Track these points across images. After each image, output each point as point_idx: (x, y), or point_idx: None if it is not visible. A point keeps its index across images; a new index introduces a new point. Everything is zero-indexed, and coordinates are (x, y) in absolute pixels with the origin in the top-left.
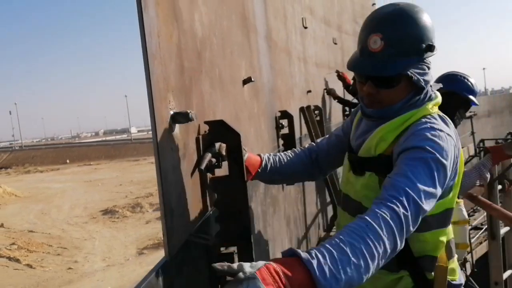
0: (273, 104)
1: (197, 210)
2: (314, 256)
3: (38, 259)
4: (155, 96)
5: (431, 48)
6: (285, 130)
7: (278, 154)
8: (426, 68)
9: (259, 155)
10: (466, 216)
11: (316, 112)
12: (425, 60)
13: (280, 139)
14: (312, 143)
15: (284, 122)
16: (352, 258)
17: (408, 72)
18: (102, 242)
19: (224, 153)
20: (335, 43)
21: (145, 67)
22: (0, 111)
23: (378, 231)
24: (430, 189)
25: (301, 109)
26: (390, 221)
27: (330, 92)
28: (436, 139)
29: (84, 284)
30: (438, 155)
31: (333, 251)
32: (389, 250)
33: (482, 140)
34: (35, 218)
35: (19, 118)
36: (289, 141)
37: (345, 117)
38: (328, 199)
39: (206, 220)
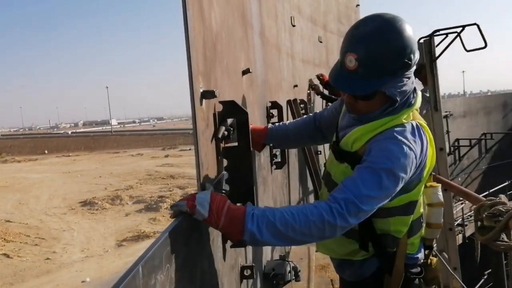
0: (264, 95)
1: (215, 169)
2: (253, 208)
3: (16, 249)
4: (194, 76)
5: (406, 65)
6: (275, 119)
7: (285, 122)
8: (404, 80)
9: (266, 126)
10: (442, 200)
11: (301, 105)
12: (404, 75)
13: None
14: (316, 112)
15: (274, 111)
16: (277, 224)
17: (382, 89)
18: (81, 233)
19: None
20: (321, 42)
21: (187, 53)
22: None
23: (308, 216)
24: (374, 194)
25: (288, 102)
26: (323, 212)
27: (314, 88)
28: (395, 153)
29: (62, 274)
30: (392, 167)
31: (268, 213)
32: (314, 233)
33: (457, 140)
34: (12, 208)
35: None
36: None
37: None
38: (311, 188)
39: (221, 178)
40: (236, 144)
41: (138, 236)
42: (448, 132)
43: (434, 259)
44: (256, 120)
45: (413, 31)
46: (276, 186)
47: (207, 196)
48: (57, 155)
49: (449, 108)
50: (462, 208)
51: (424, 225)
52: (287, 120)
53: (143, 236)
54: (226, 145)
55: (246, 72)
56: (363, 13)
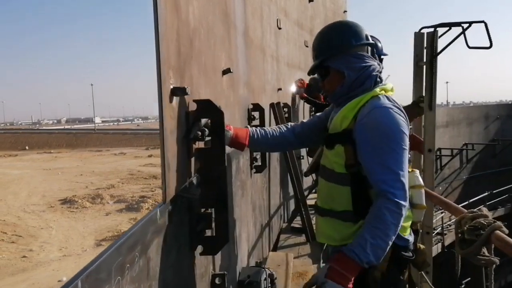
0: (246, 97)
1: (186, 171)
2: (352, 249)
3: None
4: (162, 71)
5: (344, 45)
6: (256, 122)
7: (264, 128)
8: (355, 60)
9: (246, 126)
10: (421, 182)
11: (285, 109)
12: (349, 52)
13: None
14: (297, 122)
15: (256, 114)
16: (373, 242)
17: (328, 64)
18: (59, 232)
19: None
20: (307, 46)
21: (156, 47)
22: None
23: (380, 217)
24: (388, 164)
25: (271, 105)
26: (384, 209)
27: (299, 92)
28: (385, 118)
29: (38, 273)
30: (384, 132)
31: (361, 242)
32: (395, 223)
33: (439, 149)
34: None
35: None
36: None
37: (311, 116)
38: (291, 193)
39: (191, 182)
40: (209, 146)
41: (117, 236)
42: None
43: (421, 245)
44: (237, 122)
45: (360, 29)
46: (255, 191)
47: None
48: (38, 152)
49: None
50: (442, 217)
51: (410, 208)
52: (269, 123)
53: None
54: (198, 146)
55: (226, 72)
56: (350, 19)
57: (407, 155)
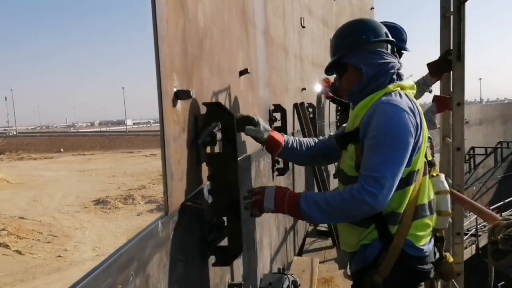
0: (267, 97)
1: (194, 179)
2: (306, 193)
3: (28, 246)
4: (162, 73)
5: (360, 41)
6: (278, 123)
7: (299, 138)
8: (372, 56)
9: (281, 134)
10: (447, 187)
11: (309, 109)
12: (371, 50)
13: None
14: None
15: (277, 115)
16: (322, 204)
17: (345, 61)
18: (93, 232)
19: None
20: None
21: (154, 47)
22: None
23: (342, 195)
24: (382, 159)
25: (295, 105)
26: (353, 191)
27: (324, 91)
28: (388, 115)
29: (72, 272)
30: (388, 128)
31: (315, 196)
32: (350, 208)
33: (473, 148)
34: (26, 205)
35: (15, 104)
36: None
37: (338, 116)
38: None
39: (201, 191)
40: (221, 150)
41: None
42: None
43: (448, 255)
44: None
45: (378, 25)
46: None
47: (271, 192)
48: (72, 154)
49: (465, 115)
50: (476, 218)
51: (432, 215)
52: (293, 124)
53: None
54: (209, 151)
55: (244, 72)
56: (377, 16)
57: (404, 156)
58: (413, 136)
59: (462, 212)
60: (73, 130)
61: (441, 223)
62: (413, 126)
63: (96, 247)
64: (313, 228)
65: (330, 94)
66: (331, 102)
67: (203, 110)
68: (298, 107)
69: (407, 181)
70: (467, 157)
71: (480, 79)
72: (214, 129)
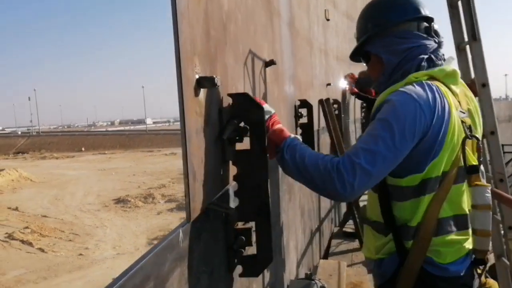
0: (292, 92)
1: (218, 179)
2: (293, 139)
3: (50, 244)
4: (182, 56)
5: (381, 23)
6: (304, 120)
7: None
8: (395, 40)
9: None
10: (488, 202)
11: (335, 106)
12: (395, 33)
13: (298, 128)
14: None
15: (303, 111)
16: (296, 155)
17: (368, 49)
18: (113, 230)
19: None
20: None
21: (173, 25)
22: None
23: (318, 159)
24: (367, 146)
25: (320, 101)
26: (328, 162)
27: (349, 87)
28: (393, 102)
29: (93, 270)
30: (386, 116)
31: (299, 145)
32: (317, 177)
33: (502, 145)
34: (48, 203)
35: (38, 104)
36: (307, 131)
37: (363, 113)
38: None
39: (226, 192)
40: (248, 147)
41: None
42: None
43: (491, 281)
44: (283, 120)
45: (405, 1)
46: (304, 194)
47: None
48: (93, 153)
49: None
50: None
51: (464, 230)
52: (318, 121)
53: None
54: (236, 148)
55: (270, 64)
56: None
57: (396, 154)
58: (418, 134)
59: (499, 230)
60: (93, 129)
61: (479, 244)
62: (422, 123)
63: (117, 246)
64: (339, 229)
65: (355, 89)
66: (356, 98)
67: (227, 101)
68: (324, 103)
69: (421, 189)
70: None
71: (506, 75)
72: (241, 124)
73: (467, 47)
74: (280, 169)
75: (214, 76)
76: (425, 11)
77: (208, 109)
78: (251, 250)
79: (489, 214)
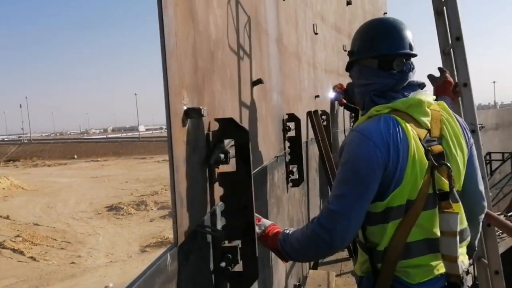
0: (281, 107)
1: (205, 202)
2: (284, 233)
3: (42, 252)
4: (170, 91)
5: (350, 54)
6: (292, 133)
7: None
8: (363, 72)
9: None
10: (454, 229)
11: (323, 117)
12: (359, 64)
13: (286, 142)
14: None
15: (291, 125)
16: (293, 242)
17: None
18: (106, 238)
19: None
20: (345, 50)
21: (162, 63)
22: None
23: (305, 231)
24: (337, 191)
25: (309, 113)
26: (313, 226)
27: (338, 98)
28: (350, 145)
29: (86, 278)
30: (347, 159)
31: (291, 234)
32: (312, 245)
33: (489, 153)
34: (40, 211)
35: (29, 112)
36: (295, 144)
37: (352, 123)
38: None
39: (213, 213)
40: (234, 169)
41: (161, 242)
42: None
43: None
44: (270, 134)
45: (374, 34)
46: (292, 205)
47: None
48: (86, 160)
49: (481, 120)
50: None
51: (434, 254)
52: (307, 133)
53: (166, 242)
54: (222, 170)
55: (257, 82)
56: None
57: (363, 192)
58: (379, 169)
59: (496, 246)
60: (86, 137)
61: (448, 268)
62: (379, 159)
63: (109, 254)
64: None
65: (344, 101)
66: (344, 109)
67: (214, 126)
68: (312, 115)
69: (385, 216)
70: (484, 162)
71: (494, 82)
72: (227, 147)
73: (452, 50)
74: (268, 182)
75: (201, 108)
76: (391, 47)
77: (195, 137)
78: (238, 266)
79: (454, 241)
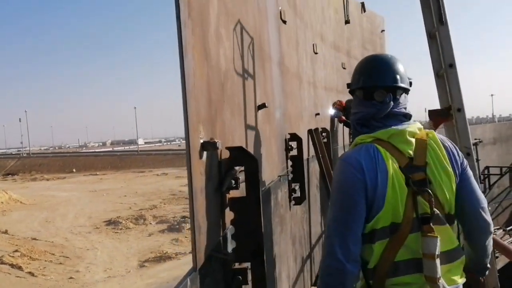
0: (283, 127)
1: (218, 227)
2: None
3: (40, 267)
4: (190, 127)
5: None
6: (294, 152)
7: None
8: (355, 102)
9: None
10: (433, 251)
11: (323, 134)
12: (353, 94)
13: (289, 161)
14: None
15: (293, 144)
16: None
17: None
18: (104, 253)
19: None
20: (344, 68)
21: (183, 103)
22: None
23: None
24: (331, 215)
25: (309, 131)
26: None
27: (338, 115)
28: (336, 172)
29: None
30: (335, 185)
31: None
32: (328, 277)
33: (487, 167)
34: (39, 225)
35: (29, 125)
36: (297, 163)
37: (350, 140)
38: None
39: (224, 236)
40: (244, 195)
41: (160, 257)
42: (478, 160)
43: None
44: (274, 155)
45: (360, 70)
46: (295, 223)
47: None
48: (84, 174)
49: (479, 135)
50: None
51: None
52: (308, 151)
53: (165, 257)
54: (232, 196)
55: (262, 107)
56: (388, 39)
57: (350, 214)
58: (361, 189)
59: (494, 265)
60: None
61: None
62: (360, 182)
63: (108, 268)
64: None
65: (343, 118)
66: (344, 126)
67: (225, 153)
68: (313, 134)
69: (371, 237)
70: (482, 177)
71: (492, 95)
72: (237, 173)
73: (445, 76)
74: (272, 202)
75: (216, 141)
76: (374, 80)
77: (209, 166)
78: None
79: (434, 263)
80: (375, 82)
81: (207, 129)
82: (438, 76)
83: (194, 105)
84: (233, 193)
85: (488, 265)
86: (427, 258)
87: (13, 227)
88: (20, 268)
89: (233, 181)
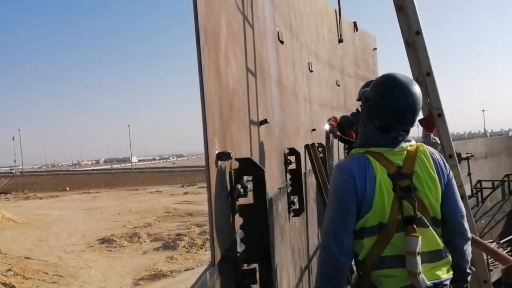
0: (282, 142)
1: (230, 230)
2: None
3: (34, 286)
4: (209, 140)
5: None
6: (293, 166)
7: None
8: (367, 120)
9: None
10: (414, 249)
11: (319, 149)
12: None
13: (288, 174)
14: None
15: (292, 158)
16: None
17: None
18: (98, 271)
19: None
20: (338, 85)
21: (202, 119)
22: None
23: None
24: (327, 215)
25: (306, 146)
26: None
27: (333, 131)
28: (332, 178)
29: None
30: (331, 189)
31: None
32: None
33: (479, 181)
34: (32, 244)
35: (22, 144)
36: (296, 176)
37: (345, 154)
38: None
39: (235, 239)
40: (252, 202)
41: (155, 275)
42: (470, 174)
43: None
44: (274, 168)
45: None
46: (294, 234)
47: None
48: (78, 192)
49: (471, 149)
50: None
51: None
52: (305, 165)
53: (160, 275)
54: (241, 203)
55: (263, 122)
56: (380, 56)
57: (342, 213)
58: (353, 192)
59: (482, 259)
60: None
61: (413, 282)
62: (351, 186)
63: (102, 287)
64: None
65: (338, 133)
66: (339, 141)
67: (234, 164)
68: (310, 148)
69: (361, 233)
70: (474, 191)
71: (483, 110)
72: (245, 182)
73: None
74: (273, 212)
75: (230, 152)
76: (396, 123)
77: (223, 176)
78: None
79: (415, 260)
80: (396, 126)
81: (220, 142)
82: (408, 44)
83: (211, 121)
84: (242, 201)
85: (468, 271)
86: (409, 255)
87: (6, 246)
88: (13, 287)
89: (242, 189)
